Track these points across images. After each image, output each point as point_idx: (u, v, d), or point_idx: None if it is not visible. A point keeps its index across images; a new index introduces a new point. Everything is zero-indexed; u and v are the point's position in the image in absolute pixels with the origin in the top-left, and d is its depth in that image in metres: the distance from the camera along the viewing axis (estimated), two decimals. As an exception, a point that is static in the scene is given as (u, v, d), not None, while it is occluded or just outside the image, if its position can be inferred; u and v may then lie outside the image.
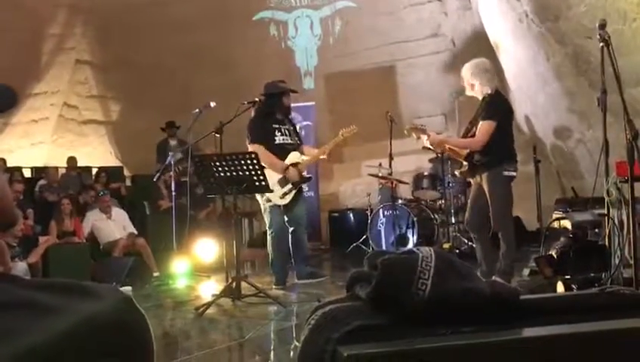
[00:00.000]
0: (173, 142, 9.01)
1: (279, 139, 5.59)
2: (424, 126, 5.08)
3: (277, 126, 5.62)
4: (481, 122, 4.75)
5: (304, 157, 5.66)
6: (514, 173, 4.81)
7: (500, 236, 4.85)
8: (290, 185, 5.50)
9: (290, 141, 5.63)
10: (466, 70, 4.90)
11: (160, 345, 3.82)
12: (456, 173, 5.23)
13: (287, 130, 5.67)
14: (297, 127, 5.84)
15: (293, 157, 5.56)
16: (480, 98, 4.88)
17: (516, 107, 8.57)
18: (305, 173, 5.60)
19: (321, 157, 5.72)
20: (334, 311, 1.09)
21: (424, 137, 4.91)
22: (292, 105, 5.93)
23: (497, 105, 4.82)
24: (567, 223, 4.62)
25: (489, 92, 4.82)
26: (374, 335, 1.04)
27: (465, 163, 4.93)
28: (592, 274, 3.94)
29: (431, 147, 5.11)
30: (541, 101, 7.36)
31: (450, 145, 4.95)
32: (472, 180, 5.10)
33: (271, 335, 4.07)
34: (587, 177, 6.77)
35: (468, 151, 4.86)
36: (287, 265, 5.77)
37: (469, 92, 4.95)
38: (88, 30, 10.35)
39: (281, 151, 5.53)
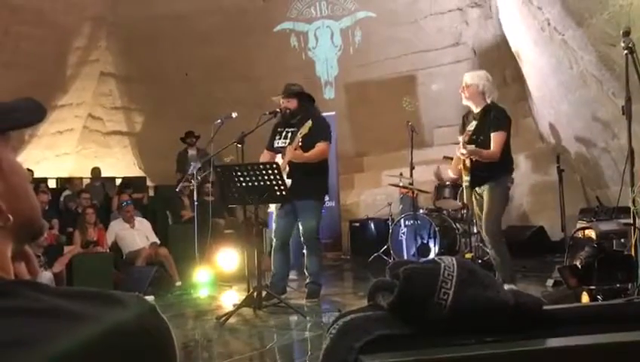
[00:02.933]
0: (192, 152, 9.11)
1: (277, 142, 5.45)
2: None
3: (281, 129, 5.48)
4: (493, 133, 4.79)
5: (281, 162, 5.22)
6: (512, 184, 4.92)
7: (489, 245, 4.89)
8: None
9: (286, 144, 5.33)
10: (474, 77, 4.92)
11: (182, 355, 3.84)
12: (463, 185, 5.20)
13: (290, 132, 5.37)
14: (306, 127, 5.15)
15: (277, 160, 5.25)
16: (477, 107, 4.90)
17: (539, 115, 8.51)
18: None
19: (290, 157, 5.14)
20: (356, 321, 1.09)
21: (470, 146, 4.89)
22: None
23: (505, 117, 4.91)
24: (591, 233, 4.56)
25: (489, 102, 4.89)
26: (396, 344, 1.03)
27: (466, 174, 4.90)
28: (618, 285, 3.88)
29: (459, 153, 5.01)
30: (564, 109, 7.28)
31: (477, 154, 4.87)
32: (468, 194, 5.06)
33: (292, 345, 4.07)
34: (612, 186, 6.67)
35: (473, 162, 4.86)
36: (282, 274, 5.46)
37: (465, 101, 4.96)
38: (112, 43, 10.53)
39: (280, 155, 5.34)
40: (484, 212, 4.90)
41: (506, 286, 4.41)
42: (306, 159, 5.21)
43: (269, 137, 5.61)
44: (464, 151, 4.83)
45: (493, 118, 4.83)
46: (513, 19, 7.79)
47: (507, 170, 4.98)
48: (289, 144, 5.25)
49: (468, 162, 4.91)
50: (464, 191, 5.22)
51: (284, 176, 4.92)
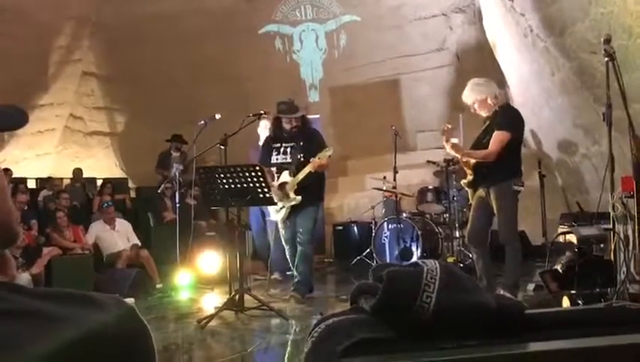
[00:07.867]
0: (175, 154, 9.03)
1: (275, 158, 5.61)
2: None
3: (278, 145, 5.64)
4: (495, 132, 4.69)
5: (291, 178, 5.48)
6: (522, 188, 4.80)
7: (506, 249, 4.82)
8: (281, 204, 5.47)
9: (287, 160, 5.54)
10: (470, 95, 4.85)
11: (162, 358, 3.80)
12: (462, 183, 5.18)
13: (289, 148, 5.57)
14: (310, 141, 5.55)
15: (283, 177, 5.51)
16: (490, 113, 4.85)
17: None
18: (291, 194, 5.42)
19: (309, 170, 5.41)
20: (338, 324, 1.09)
21: (454, 140, 4.89)
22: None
23: (512, 117, 4.82)
24: (572, 238, 4.60)
25: (500, 104, 4.83)
26: (378, 348, 1.03)
27: (470, 174, 4.89)
28: (598, 290, 3.92)
29: (451, 152, 5.00)
30: (546, 115, 7.36)
31: (469, 156, 4.86)
32: (471, 193, 5.04)
33: (273, 349, 4.05)
34: (592, 192, 6.75)
35: (475, 161, 4.83)
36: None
37: (480, 112, 4.89)
38: (95, 42, 10.43)
39: (278, 171, 5.57)
40: (498, 222, 4.79)
41: (502, 292, 4.44)
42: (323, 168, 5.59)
43: (261, 152, 5.80)
44: (450, 151, 4.85)
45: (498, 118, 4.76)
46: (497, 25, 7.86)
47: (511, 172, 4.76)
48: (290, 160, 5.51)
49: (472, 160, 4.87)
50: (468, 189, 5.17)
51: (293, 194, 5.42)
